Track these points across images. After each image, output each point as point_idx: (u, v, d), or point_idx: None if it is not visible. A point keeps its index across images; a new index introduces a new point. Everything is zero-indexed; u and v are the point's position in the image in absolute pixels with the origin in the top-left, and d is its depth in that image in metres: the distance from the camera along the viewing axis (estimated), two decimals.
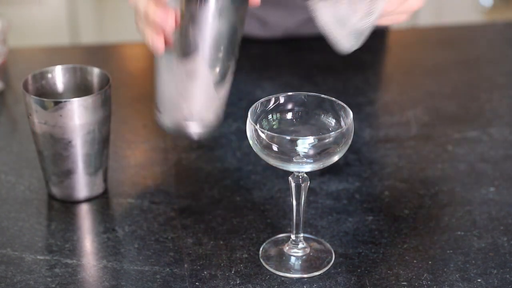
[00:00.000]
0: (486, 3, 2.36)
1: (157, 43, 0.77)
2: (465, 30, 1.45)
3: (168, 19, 0.75)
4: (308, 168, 0.74)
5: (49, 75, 0.91)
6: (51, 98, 0.87)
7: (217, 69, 0.76)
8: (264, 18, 1.26)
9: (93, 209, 0.90)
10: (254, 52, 1.24)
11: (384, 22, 0.81)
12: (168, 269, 0.80)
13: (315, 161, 0.74)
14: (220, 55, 0.75)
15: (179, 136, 0.77)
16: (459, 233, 0.85)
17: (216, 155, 0.99)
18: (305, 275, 0.79)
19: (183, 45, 0.75)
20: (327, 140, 0.73)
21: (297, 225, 0.81)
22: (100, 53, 1.32)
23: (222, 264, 0.80)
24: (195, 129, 0.78)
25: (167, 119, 0.79)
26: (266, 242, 0.84)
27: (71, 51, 1.37)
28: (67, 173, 0.88)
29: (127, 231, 0.86)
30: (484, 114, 1.10)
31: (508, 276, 0.79)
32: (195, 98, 0.77)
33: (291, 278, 0.79)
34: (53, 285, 0.77)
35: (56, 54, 1.31)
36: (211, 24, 0.73)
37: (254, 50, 1.25)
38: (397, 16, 0.82)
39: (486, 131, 1.06)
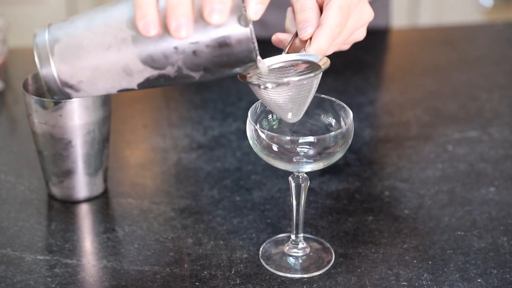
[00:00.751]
0: (486, 3, 2.36)
1: (152, 26, 0.63)
2: (465, 30, 1.45)
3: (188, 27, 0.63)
4: (308, 168, 0.74)
5: None
6: (51, 98, 0.87)
7: (144, 82, 0.68)
8: (264, 19, 1.26)
9: (93, 209, 0.90)
10: None
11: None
12: (168, 269, 0.80)
13: (315, 161, 0.73)
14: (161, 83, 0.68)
15: (39, 74, 0.67)
16: (459, 233, 0.85)
17: (216, 155, 0.99)
18: (305, 275, 0.79)
19: (157, 52, 0.65)
20: (327, 140, 0.72)
21: (297, 225, 0.81)
22: None
23: (222, 264, 0.80)
24: (59, 83, 0.68)
25: (54, 54, 0.67)
26: (266, 242, 0.84)
27: None
28: (67, 173, 0.88)
29: (127, 231, 0.86)
30: (484, 114, 1.10)
31: (508, 276, 0.79)
32: (106, 76, 0.67)
33: (291, 278, 0.79)
34: (53, 285, 0.77)
35: None
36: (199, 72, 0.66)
37: None
38: (343, 46, 0.79)
39: (486, 131, 1.06)
